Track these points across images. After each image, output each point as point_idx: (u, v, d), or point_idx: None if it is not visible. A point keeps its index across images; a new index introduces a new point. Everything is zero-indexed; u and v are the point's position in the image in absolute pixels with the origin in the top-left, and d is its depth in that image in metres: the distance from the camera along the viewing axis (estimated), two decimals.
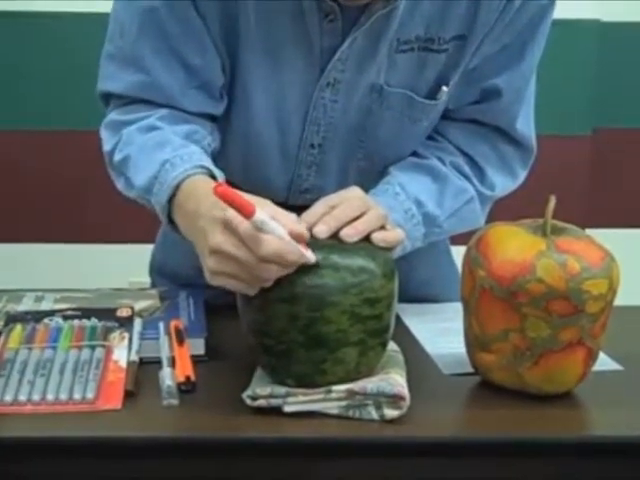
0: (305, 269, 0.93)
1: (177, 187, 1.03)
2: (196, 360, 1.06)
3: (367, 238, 0.99)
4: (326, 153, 1.21)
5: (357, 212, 1.00)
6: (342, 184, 1.15)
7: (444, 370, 1.10)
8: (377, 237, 1.00)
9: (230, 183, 0.97)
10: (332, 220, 0.98)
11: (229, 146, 1.20)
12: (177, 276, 1.33)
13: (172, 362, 1.03)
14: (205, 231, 0.93)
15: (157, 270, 1.42)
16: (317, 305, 0.93)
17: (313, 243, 0.95)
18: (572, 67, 2.57)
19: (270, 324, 0.95)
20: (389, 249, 1.01)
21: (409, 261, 1.17)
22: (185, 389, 0.99)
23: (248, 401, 0.96)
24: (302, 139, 1.19)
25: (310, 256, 0.93)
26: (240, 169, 1.21)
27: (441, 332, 1.20)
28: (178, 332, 1.09)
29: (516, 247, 0.98)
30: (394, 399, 0.95)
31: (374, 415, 0.95)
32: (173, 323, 1.11)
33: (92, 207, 2.53)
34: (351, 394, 0.95)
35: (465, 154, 1.24)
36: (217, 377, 1.05)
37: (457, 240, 1.35)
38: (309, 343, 0.95)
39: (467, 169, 1.23)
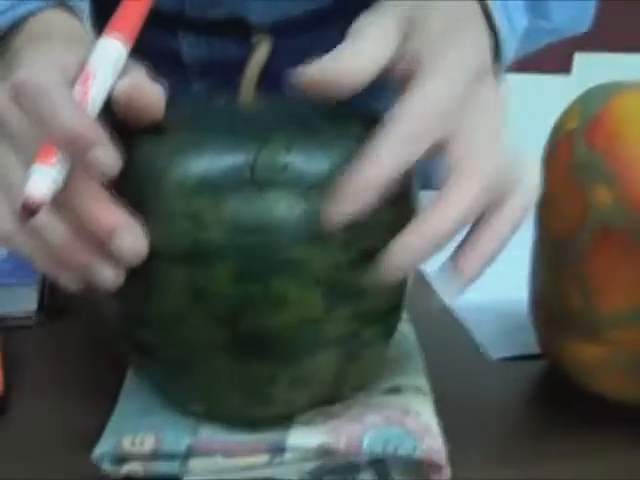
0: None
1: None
2: (17, 328, 0.55)
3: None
4: None
5: None
6: None
7: (493, 352, 0.59)
8: None
9: None
10: None
11: None
12: None
13: None
14: None
15: None
16: (254, 267, 0.41)
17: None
18: None
19: (150, 305, 0.43)
20: None
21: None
22: None
23: (106, 467, 0.44)
24: None
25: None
26: None
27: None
28: None
29: None
30: (418, 466, 0.45)
31: None
32: None
33: None
34: (324, 454, 0.44)
35: None
36: (58, 370, 0.54)
37: None
38: (239, 346, 0.43)
39: None
